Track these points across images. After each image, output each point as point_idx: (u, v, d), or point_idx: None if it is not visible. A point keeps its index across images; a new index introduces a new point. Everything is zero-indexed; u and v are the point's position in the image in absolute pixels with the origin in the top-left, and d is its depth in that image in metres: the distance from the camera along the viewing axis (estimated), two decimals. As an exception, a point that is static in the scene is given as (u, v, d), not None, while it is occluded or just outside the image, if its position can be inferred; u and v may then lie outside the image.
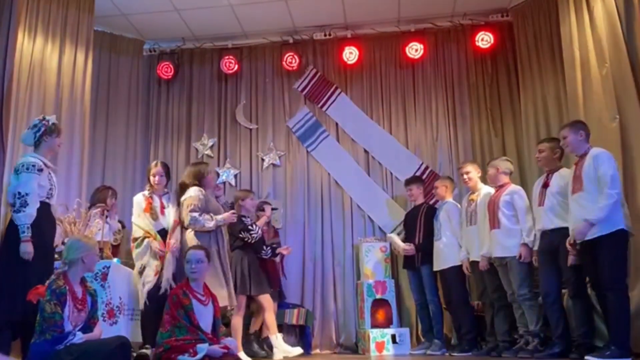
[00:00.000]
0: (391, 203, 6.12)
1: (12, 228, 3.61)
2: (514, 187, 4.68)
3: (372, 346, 5.21)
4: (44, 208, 3.69)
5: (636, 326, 3.74)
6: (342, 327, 5.91)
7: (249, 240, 4.77)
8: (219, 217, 4.42)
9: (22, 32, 4.66)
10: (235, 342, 3.71)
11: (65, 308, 3.18)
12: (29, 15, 4.80)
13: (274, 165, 6.43)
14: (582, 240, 3.72)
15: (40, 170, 3.68)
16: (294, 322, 5.55)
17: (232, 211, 4.68)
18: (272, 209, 5.56)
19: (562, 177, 4.15)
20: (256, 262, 4.82)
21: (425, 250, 5.23)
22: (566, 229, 3.99)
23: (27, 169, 3.62)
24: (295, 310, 5.60)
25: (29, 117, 4.70)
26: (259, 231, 4.88)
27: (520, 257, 4.36)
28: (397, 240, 5.47)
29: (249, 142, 6.53)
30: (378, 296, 5.50)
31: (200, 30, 6.44)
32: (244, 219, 4.87)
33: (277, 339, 4.75)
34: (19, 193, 3.57)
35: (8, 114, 4.21)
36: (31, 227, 3.55)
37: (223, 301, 4.10)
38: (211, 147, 6.53)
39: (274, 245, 5.17)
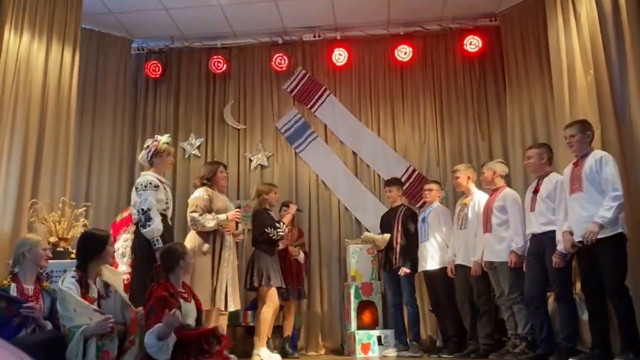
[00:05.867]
0: (379, 205, 6.12)
1: (138, 242, 3.99)
2: (508, 191, 4.64)
3: (358, 347, 5.22)
4: (163, 220, 4.04)
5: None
6: (328, 329, 5.92)
7: (273, 237, 4.84)
8: (222, 215, 4.33)
9: (8, 29, 4.60)
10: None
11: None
12: (15, 12, 4.72)
13: (261, 166, 6.41)
14: (593, 240, 3.56)
15: (157, 187, 4.05)
16: (280, 323, 5.53)
17: (237, 210, 4.65)
18: (297, 210, 5.60)
19: (551, 181, 4.15)
20: (276, 258, 4.96)
21: (404, 252, 5.24)
22: (552, 232, 4.01)
23: (145, 187, 4.01)
24: (281, 312, 5.58)
25: (14, 115, 4.64)
26: (285, 229, 4.98)
27: (510, 263, 4.32)
28: (373, 234, 5.53)
29: (236, 143, 6.50)
30: (364, 298, 5.52)
31: (189, 29, 6.39)
32: (271, 213, 5.06)
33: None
34: (142, 210, 3.95)
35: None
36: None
37: (205, 304, 4.04)
38: (198, 147, 6.50)
39: (297, 246, 5.47)
